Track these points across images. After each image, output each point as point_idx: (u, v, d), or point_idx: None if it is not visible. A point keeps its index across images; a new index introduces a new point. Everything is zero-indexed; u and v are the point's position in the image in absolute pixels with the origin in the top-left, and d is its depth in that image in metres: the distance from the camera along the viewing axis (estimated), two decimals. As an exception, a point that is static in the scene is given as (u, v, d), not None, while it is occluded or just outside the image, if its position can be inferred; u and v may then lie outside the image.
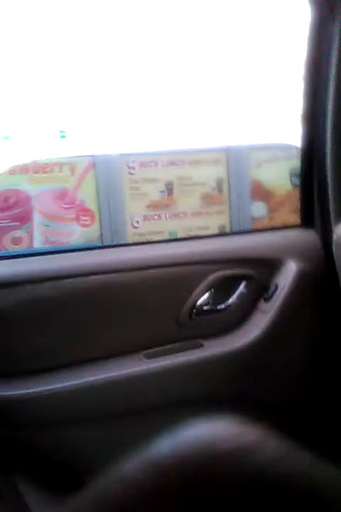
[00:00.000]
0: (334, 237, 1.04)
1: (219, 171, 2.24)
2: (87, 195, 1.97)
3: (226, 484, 0.61)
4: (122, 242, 2.00)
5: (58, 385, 0.95)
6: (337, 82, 1.06)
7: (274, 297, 1.09)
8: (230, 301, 1.10)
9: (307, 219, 1.20)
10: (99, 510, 0.65)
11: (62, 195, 1.91)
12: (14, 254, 1.27)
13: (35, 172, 1.84)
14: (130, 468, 0.73)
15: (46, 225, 1.88)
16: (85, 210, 1.97)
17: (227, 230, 2.29)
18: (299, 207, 1.23)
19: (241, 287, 1.10)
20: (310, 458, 0.49)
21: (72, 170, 1.91)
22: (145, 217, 2.11)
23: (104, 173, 1.98)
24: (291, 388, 1.11)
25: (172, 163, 2.15)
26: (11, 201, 1.82)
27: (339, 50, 1.05)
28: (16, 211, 1.82)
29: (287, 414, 1.09)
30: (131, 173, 2.04)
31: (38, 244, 1.88)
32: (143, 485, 0.66)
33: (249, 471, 0.61)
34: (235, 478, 0.58)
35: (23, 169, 1.82)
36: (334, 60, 1.06)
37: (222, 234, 2.14)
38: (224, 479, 0.62)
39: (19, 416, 0.96)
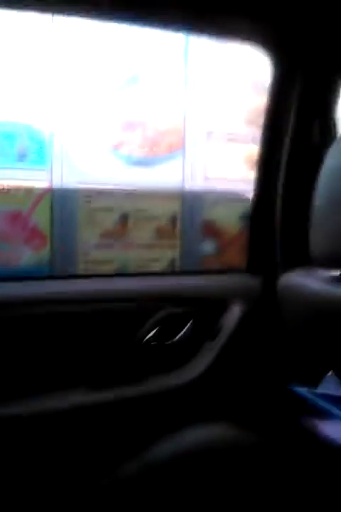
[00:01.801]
0: (279, 285, 1.11)
1: (173, 207, 2.30)
2: (40, 219, 1.96)
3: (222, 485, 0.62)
4: (72, 274, 1.99)
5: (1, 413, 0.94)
6: (292, 135, 1.15)
7: (218, 337, 1.14)
8: (177, 338, 1.13)
9: (253, 264, 1.27)
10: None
11: (14, 217, 1.89)
12: None
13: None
14: (130, 473, 0.73)
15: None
16: (38, 234, 1.95)
17: (178, 264, 2.34)
18: (246, 252, 1.29)
19: (188, 326, 1.14)
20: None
21: (28, 193, 1.91)
22: (97, 246, 2.12)
23: (60, 199, 1.98)
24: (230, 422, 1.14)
25: (129, 196, 2.18)
26: None
27: (297, 106, 1.14)
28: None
29: None
30: (87, 202, 2.05)
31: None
32: (144, 487, 0.66)
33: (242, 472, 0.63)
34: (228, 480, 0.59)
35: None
36: (292, 115, 1.14)
37: (171, 272, 2.19)
38: (219, 481, 0.63)
39: None
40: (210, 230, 2.39)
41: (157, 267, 2.27)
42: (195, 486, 0.67)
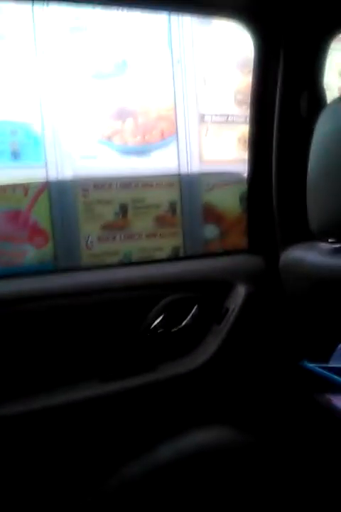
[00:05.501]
0: (281, 262, 1.08)
1: (172, 194, 2.27)
2: (40, 216, 1.94)
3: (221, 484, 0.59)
4: (76, 266, 1.97)
5: (13, 411, 0.92)
6: (280, 110, 1.11)
7: (225, 319, 1.11)
8: (183, 323, 1.11)
9: (254, 244, 1.24)
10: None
11: (15, 216, 1.87)
12: None
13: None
14: (133, 472, 0.71)
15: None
16: (39, 231, 1.93)
17: (181, 251, 2.32)
18: (247, 232, 1.27)
19: (194, 310, 1.11)
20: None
21: (26, 191, 1.88)
22: (99, 239, 2.10)
23: (58, 194, 1.95)
24: (244, 404, 1.13)
25: (126, 186, 2.16)
26: None
27: (282, 81, 1.11)
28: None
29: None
30: (84, 196, 2.02)
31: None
32: (146, 486, 0.64)
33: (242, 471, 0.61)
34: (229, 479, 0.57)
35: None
36: (278, 89, 1.11)
37: (175, 258, 2.17)
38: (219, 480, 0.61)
39: None
40: (211, 214, 2.36)
41: (161, 256, 2.25)
42: (196, 488, 0.65)
